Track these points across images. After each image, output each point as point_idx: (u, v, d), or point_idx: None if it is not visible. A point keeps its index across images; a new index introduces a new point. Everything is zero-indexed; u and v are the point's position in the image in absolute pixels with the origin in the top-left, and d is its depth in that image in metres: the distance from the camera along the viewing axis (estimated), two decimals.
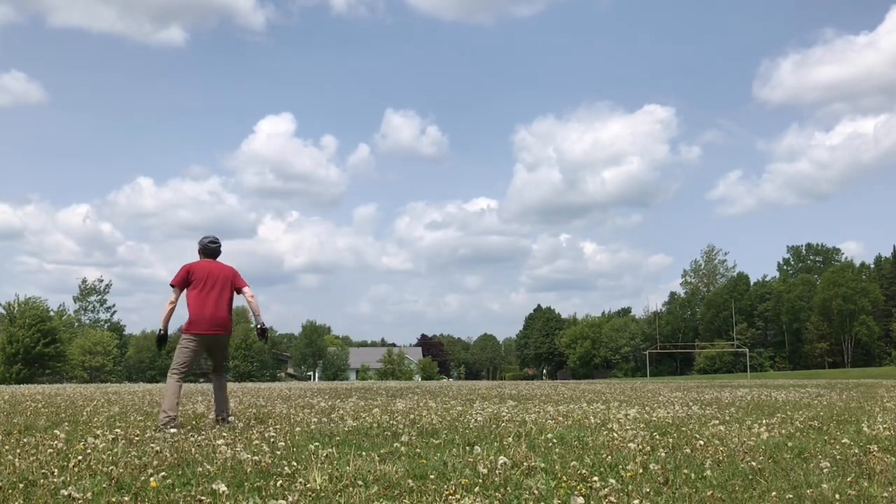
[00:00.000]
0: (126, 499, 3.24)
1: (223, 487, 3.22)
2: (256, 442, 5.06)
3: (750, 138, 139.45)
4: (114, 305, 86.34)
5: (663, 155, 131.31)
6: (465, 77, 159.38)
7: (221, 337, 6.97)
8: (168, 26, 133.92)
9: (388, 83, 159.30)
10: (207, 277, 6.95)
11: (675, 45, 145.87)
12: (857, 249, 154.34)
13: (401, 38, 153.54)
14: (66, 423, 6.84)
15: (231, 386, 29.18)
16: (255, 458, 4.25)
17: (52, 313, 69.80)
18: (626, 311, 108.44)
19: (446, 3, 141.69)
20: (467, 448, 4.87)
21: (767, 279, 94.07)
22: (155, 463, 4.20)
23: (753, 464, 4.25)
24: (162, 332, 6.94)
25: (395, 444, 5.01)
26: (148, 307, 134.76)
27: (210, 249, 7.23)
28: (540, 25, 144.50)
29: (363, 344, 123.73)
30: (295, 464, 4.10)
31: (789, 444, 5.32)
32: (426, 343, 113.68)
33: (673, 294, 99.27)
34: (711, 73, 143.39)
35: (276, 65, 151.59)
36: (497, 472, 3.89)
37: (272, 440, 5.20)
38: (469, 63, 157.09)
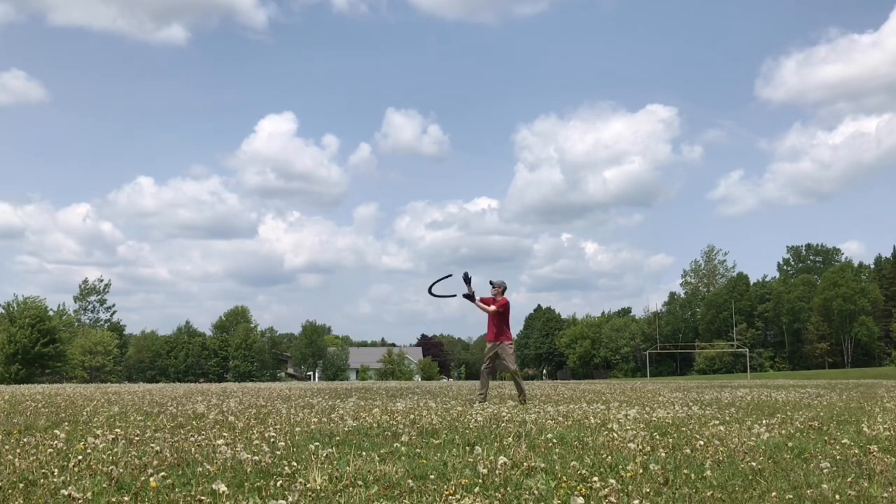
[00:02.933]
0: (126, 499, 3.24)
1: (223, 487, 3.22)
2: (256, 442, 5.06)
3: (752, 138, 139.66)
4: (114, 305, 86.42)
5: (665, 155, 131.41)
6: (467, 76, 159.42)
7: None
8: (169, 24, 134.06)
9: (390, 82, 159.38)
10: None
11: (678, 45, 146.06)
12: (859, 249, 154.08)
13: (402, 37, 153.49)
14: (66, 423, 6.83)
15: (231, 386, 29.17)
16: (255, 458, 4.25)
17: (51, 313, 69.75)
18: (626, 312, 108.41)
19: (448, 2, 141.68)
20: (467, 448, 4.87)
21: (767, 279, 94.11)
22: (155, 463, 4.20)
23: (753, 464, 4.25)
24: (472, 294, 10.74)
25: (395, 444, 5.00)
26: (148, 307, 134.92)
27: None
28: (542, 24, 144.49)
29: (363, 344, 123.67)
30: (295, 464, 4.10)
31: (789, 444, 5.32)
32: (426, 343, 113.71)
33: (673, 294, 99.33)
34: (714, 73, 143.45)
35: (277, 64, 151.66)
36: (497, 472, 3.89)
37: (272, 440, 5.20)
38: (471, 62, 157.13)
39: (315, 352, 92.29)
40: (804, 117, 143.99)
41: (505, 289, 11.08)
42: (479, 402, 10.44)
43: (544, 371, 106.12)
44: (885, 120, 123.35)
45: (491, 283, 10.96)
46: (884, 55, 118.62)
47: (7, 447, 4.74)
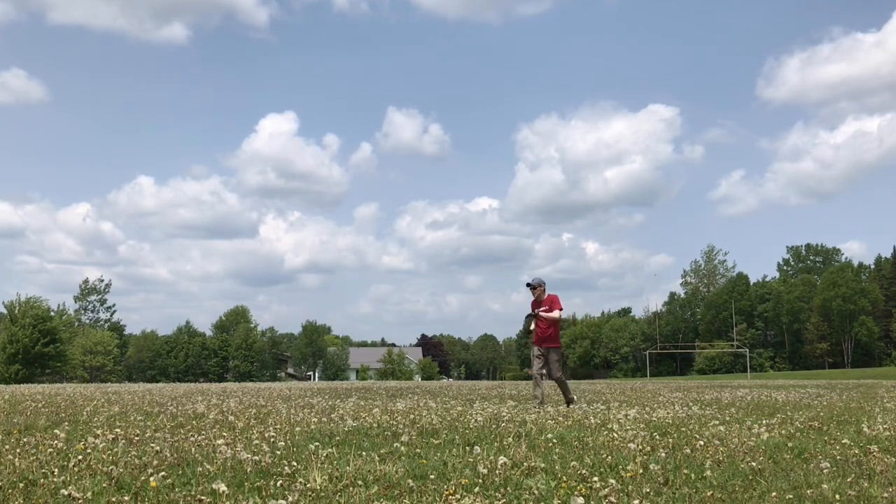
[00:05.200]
0: (126, 499, 3.24)
1: (223, 487, 3.22)
2: (256, 442, 5.06)
3: (753, 138, 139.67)
4: (114, 305, 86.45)
5: (666, 154, 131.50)
6: (469, 75, 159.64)
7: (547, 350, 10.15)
8: (170, 23, 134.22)
9: (391, 81, 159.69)
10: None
11: (680, 45, 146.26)
12: (860, 249, 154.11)
13: (404, 36, 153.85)
14: (66, 423, 6.84)
15: (231, 386, 29.18)
16: (255, 458, 4.25)
17: (52, 313, 69.77)
18: (626, 312, 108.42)
19: (450, 1, 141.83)
20: (467, 448, 4.87)
21: (767, 279, 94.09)
22: (155, 463, 4.20)
23: (753, 464, 4.25)
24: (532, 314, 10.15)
25: (395, 444, 5.00)
26: (149, 307, 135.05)
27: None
28: (544, 24, 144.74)
29: (363, 344, 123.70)
30: (295, 464, 4.10)
31: (789, 444, 5.32)
32: (426, 343, 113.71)
33: (673, 294, 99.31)
34: (716, 73, 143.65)
35: (278, 63, 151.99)
36: (497, 472, 3.89)
37: (272, 440, 5.20)
38: (472, 61, 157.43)
39: (315, 352, 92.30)
40: (806, 117, 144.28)
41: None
42: (540, 405, 9.78)
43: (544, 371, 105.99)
44: (888, 119, 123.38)
45: (532, 285, 10.23)
46: (886, 55, 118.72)
47: (7, 447, 4.74)
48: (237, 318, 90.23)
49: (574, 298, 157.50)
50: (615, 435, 5.58)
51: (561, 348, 10.37)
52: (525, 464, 4.18)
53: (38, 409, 8.89)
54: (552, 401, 11.68)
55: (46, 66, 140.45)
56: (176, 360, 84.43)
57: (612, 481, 3.53)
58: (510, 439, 5.35)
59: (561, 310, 10.13)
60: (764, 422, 7.06)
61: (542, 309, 10.01)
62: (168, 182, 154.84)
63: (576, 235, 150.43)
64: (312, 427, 6.47)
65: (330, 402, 10.56)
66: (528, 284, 10.21)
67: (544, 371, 10.18)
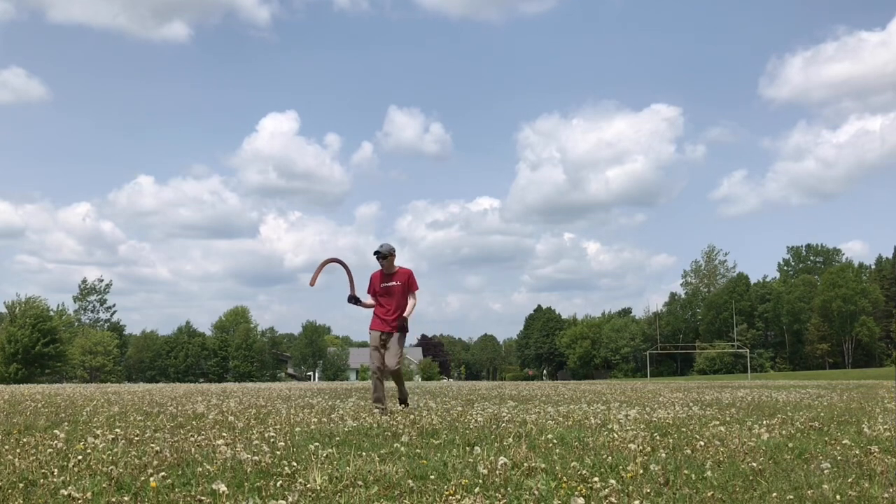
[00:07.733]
0: (126, 499, 3.24)
1: (223, 487, 3.21)
2: (256, 442, 5.06)
3: (755, 137, 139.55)
4: (114, 305, 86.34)
5: (668, 154, 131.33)
6: (470, 75, 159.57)
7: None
8: (171, 21, 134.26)
9: (392, 80, 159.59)
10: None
11: (683, 44, 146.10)
12: (862, 249, 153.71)
13: (405, 35, 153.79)
14: (66, 423, 6.83)
15: (231, 386, 29.17)
16: (255, 458, 4.25)
17: (52, 313, 69.79)
18: (626, 312, 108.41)
19: (453, 0, 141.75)
20: (467, 448, 4.87)
21: (768, 280, 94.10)
22: (155, 463, 4.20)
23: (754, 465, 4.25)
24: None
25: (395, 445, 5.00)
26: (149, 306, 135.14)
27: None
28: (546, 23, 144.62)
29: (363, 344, 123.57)
30: (295, 464, 4.09)
31: (790, 444, 5.31)
32: (426, 343, 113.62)
33: (673, 295, 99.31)
34: (718, 72, 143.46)
35: (279, 62, 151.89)
36: (497, 472, 3.88)
37: (272, 440, 5.20)
38: (474, 60, 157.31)
39: (315, 352, 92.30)
40: (809, 116, 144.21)
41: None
42: (383, 411, 7.92)
43: (544, 371, 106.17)
44: (891, 119, 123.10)
45: (381, 253, 8.27)
46: (890, 54, 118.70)
47: (7, 447, 4.74)
48: (237, 319, 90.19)
49: (575, 298, 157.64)
50: (615, 435, 5.58)
51: (406, 332, 8.31)
52: (525, 464, 4.18)
53: (38, 409, 8.88)
54: (552, 401, 11.67)
55: (46, 64, 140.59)
56: (176, 361, 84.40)
57: (613, 482, 3.53)
58: (510, 440, 5.35)
59: (417, 289, 8.40)
60: (764, 422, 7.05)
61: (401, 317, 8.23)
62: (168, 181, 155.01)
63: (577, 235, 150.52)
64: (312, 427, 6.47)
65: (330, 403, 10.55)
66: (377, 252, 8.28)
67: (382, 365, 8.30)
